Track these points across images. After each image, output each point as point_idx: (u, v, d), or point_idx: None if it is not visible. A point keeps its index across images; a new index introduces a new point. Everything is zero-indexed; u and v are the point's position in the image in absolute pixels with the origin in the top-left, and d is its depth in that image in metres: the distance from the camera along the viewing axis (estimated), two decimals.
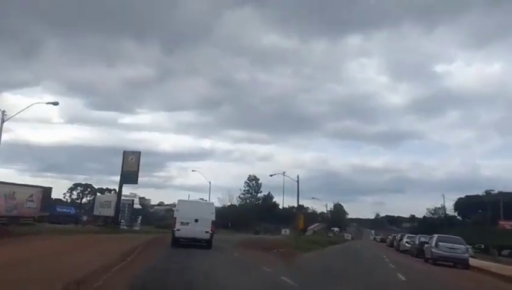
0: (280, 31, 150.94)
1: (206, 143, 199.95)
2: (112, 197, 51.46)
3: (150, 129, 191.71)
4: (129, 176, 44.00)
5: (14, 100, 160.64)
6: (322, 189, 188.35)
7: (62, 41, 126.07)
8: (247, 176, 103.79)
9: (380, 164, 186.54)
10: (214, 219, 22.53)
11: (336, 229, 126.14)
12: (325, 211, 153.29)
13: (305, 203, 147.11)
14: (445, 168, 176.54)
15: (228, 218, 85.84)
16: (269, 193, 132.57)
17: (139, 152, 46.04)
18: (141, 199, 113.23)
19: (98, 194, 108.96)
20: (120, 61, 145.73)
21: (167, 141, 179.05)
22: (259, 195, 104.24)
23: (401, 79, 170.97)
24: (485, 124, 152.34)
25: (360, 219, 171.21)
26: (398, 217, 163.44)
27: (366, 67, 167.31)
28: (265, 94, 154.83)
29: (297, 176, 51.65)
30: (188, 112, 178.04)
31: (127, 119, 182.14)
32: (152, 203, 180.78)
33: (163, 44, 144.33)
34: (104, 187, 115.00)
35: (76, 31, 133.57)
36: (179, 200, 25.13)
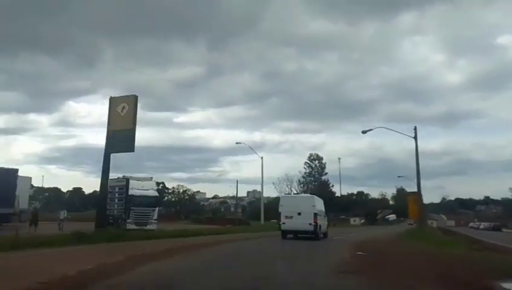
0: (327, 16, 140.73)
1: (257, 136, 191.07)
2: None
3: (202, 126, 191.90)
4: (120, 139, 22.43)
5: (77, 107, 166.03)
6: (378, 176, 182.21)
7: (117, 49, 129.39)
8: (308, 155, 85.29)
9: (439, 147, 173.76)
10: (316, 211, 22.63)
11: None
12: (388, 198, 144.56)
13: (363, 190, 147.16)
14: (509, 147, 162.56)
15: None
16: (327, 179, 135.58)
17: (135, 96, 23.38)
18: (193, 192, 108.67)
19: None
20: (171, 62, 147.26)
21: (219, 137, 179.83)
22: (323, 177, 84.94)
23: (459, 55, 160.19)
24: None
25: (424, 203, 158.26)
26: (470, 199, 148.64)
27: (420, 46, 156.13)
28: (313, 83, 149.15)
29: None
30: (237, 106, 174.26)
31: (180, 118, 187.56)
32: (207, 196, 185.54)
33: (210, 41, 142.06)
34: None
35: (129, 38, 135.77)
36: (282, 196, 25.87)
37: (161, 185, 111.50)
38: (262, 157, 43.55)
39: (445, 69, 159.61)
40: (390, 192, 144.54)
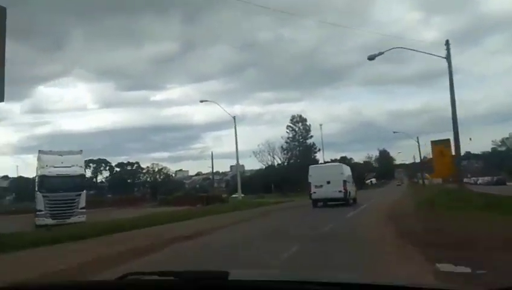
0: None
1: (237, 109, 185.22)
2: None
3: (181, 103, 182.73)
4: None
5: (48, 92, 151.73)
6: (361, 140, 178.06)
7: (86, 28, 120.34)
8: (290, 117, 73.69)
9: (417, 106, 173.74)
10: (344, 178, 22.60)
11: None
12: (371, 161, 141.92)
13: (346, 155, 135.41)
14: (488, 101, 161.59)
15: (270, 179, 67.32)
16: (313, 143, 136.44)
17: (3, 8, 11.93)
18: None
19: (117, 169, 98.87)
20: (144, 39, 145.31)
21: (199, 113, 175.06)
22: (308, 141, 72.69)
23: (435, 12, 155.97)
24: None
25: (406, 163, 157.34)
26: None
27: (396, 5, 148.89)
28: (291, 51, 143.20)
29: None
30: (215, 80, 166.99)
31: (158, 96, 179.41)
32: (190, 174, 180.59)
33: (183, 15, 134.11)
34: (125, 161, 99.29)
35: (98, 16, 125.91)
36: (311, 166, 25.29)
37: (135, 165, 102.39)
38: (234, 118, 35.20)
39: (421, 27, 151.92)
40: (374, 155, 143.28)
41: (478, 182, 62.45)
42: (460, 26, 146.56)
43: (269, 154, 64.82)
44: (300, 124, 71.59)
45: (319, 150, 70.13)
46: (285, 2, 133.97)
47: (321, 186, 22.39)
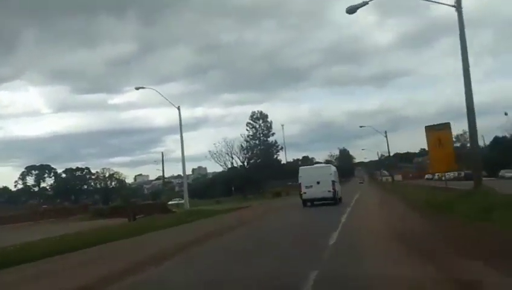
0: None
1: (199, 111, 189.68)
2: None
3: (141, 106, 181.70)
4: None
5: None
6: (322, 139, 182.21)
7: (41, 30, 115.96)
8: (250, 114, 66.55)
9: (374, 106, 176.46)
10: (333, 179, 23.13)
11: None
12: (332, 160, 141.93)
13: (308, 155, 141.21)
14: (440, 100, 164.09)
15: (231, 181, 61.31)
16: (275, 141, 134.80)
17: None
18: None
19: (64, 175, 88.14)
20: (101, 40, 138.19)
21: (160, 116, 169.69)
22: (270, 139, 66.51)
23: (389, 15, 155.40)
24: (477, 48, 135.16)
25: (364, 162, 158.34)
26: (407, 152, 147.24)
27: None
28: (252, 53, 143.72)
29: None
30: (176, 82, 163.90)
31: (116, 99, 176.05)
32: (151, 178, 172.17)
33: (141, 15, 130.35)
34: (74, 167, 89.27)
35: (53, 18, 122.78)
36: (301, 168, 25.88)
37: (85, 170, 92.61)
38: (179, 108, 28.84)
39: (377, 30, 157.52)
40: (335, 154, 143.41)
41: (443, 178, 59.80)
42: (413, 28, 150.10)
43: (227, 154, 58.33)
44: (261, 121, 65.18)
45: (281, 148, 65.23)
46: (246, 4, 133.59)
47: (311, 186, 22.71)
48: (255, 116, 65.10)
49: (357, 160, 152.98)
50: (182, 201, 33.70)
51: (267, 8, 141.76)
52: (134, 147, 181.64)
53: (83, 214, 34.31)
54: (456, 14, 13.20)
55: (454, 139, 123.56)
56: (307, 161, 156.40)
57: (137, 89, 29.50)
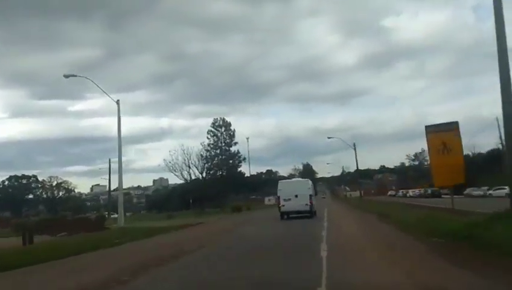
0: None
1: (164, 122, 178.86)
2: None
3: (102, 114, 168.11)
4: None
5: None
6: (283, 154, 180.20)
7: None
8: (212, 121, 60.12)
9: (335, 123, 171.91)
10: (310, 193, 23.51)
11: None
12: (296, 174, 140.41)
13: (272, 169, 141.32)
14: (397, 120, 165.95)
15: (189, 194, 55.93)
16: (234, 161, 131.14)
17: None
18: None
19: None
20: (63, 44, 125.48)
21: (123, 125, 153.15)
22: (232, 149, 60.63)
23: (351, 36, 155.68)
24: (432, 73, 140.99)
25: (326, 177, 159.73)
26: (368, 169, 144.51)
27: (318, 27, 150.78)
28: (219, 64, 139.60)
29: None
30: (141, 91, 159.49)
31: (77, 106, 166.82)
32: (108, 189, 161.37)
33: (107, 21, 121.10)
34: (19, 174, 79.95)
35: (11, 19, 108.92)
36: (280, 181, 26.81)
37: (32, 178, 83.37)
38: (118, 102, 23.89)
39: (339, 50, 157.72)
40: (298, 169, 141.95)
41: (408, 195, 57.76)
42: (375, 50, 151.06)
43: (185, 163, 50.41)
44: (223, 128, 58.54)
45: (244, 159, 60.55)
46: (215, 16, 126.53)
47: (289, 199, 22.86)
48: (217, 124, 59.09)
49: (319, 175, 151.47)
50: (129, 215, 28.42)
51: (235, 21, 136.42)
52: (94, 156, 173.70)
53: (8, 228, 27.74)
54: None
55: (412, 157, 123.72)
56: (270, 174, 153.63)
57: (66, 77, 24.24)
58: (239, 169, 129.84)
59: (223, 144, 58.40)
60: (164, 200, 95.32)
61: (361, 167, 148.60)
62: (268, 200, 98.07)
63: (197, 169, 47.81)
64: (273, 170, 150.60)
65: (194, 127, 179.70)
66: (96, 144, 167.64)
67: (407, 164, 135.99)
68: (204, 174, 48.84)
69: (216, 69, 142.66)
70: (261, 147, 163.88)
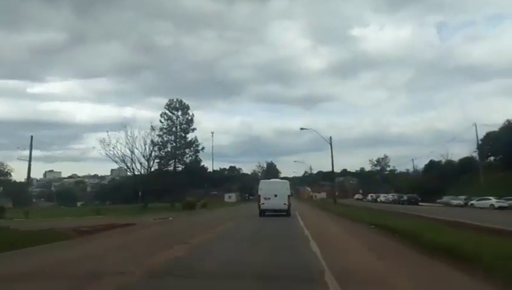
0: None
1: (128, 112, 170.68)
2: None
3: (62, 99, 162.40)
4: None
5: None
6: (248, 152, 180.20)
7: None
8: (167, 102, 48.73)
9: (300, 126, 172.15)
10: (289, 193, 24.25)
11: None
12: (259, 172, 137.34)
13: (236, 166, 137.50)
14: (359, 127, 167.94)
15: (137, 186, 47.37)
16: (196, 156, 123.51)
17: None
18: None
19: None
20: (27, 24, 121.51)
21: (84, 111, 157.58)
22: (189, 136, 49.24)
23: (321, 42, 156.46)
24: (394, 84, 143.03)
25: (289, 177, 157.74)
26: (330, 171, 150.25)
27: (290, 30, 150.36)
28: (189, 59, 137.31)
29: None
30: (106, 79, 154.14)
31: (36, 88, 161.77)
32: (63, 176, 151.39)
33: (76, 5, 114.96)
34: None
35: None
36: (261, 181, 27.21)
37: None
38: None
39: (309, 55, 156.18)
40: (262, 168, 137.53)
41: (379, 200, 52.56)
42: (342, 58, 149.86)
43: (129, 148, 40.44)
44: (179, 112, 46.83)
45: (203, 148, 51.69)
46: (188, 10, 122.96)
47: (269, 198, 23.42)
48: (172, 105, 47.02)
49: (282, 175, 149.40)
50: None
51: (208, 17, 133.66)
52: (50, 141, 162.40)
53: None
54: None
55: (375, 162, 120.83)
56: (233, 171, 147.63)
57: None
58: (202, 164, 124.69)
59: (179, 130, 47.02)
60: (115, 191, 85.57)
61: (323, 169, 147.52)
62: (229, 197, 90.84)
63: (144, 157, 38.81)
64: (237, 167, 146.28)
65: (159, 119, 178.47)
66: (53, 129, 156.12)
67: (368, 169, 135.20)
68: (152, 164, 40.12)
69: (186, 64, 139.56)
70: (227, 144, 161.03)
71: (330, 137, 43.19)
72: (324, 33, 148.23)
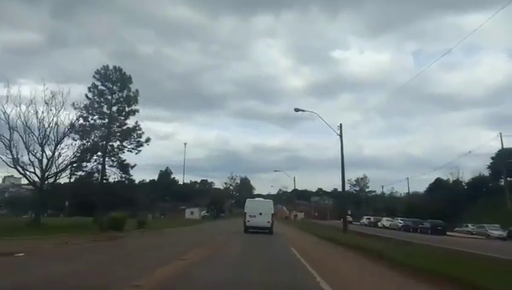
0: (190, 4, 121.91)
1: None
2: None
3: (35, 103, 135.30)
4: None
5: None
6: (223, 167, 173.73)
7: None
8: (101, 67, 30.78)
9: (277, 144, 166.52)
10: (273, 212, 24.71)
11: None
12: (231, 185, 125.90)
13: (208, 179, 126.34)
14: (335, 148, 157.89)
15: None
16: (167, 168, 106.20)
17: None
18: None
19: None
20: (4, 24, 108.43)
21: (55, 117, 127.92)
22: (129, 123, 31.03)
23: (302, 62, 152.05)
24: (370, 108, 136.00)
25: (262, 194, 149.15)
26: (305, 190, 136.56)
27: (272, 49, 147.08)
28: (169, 70, 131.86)
29: None
30: (81, 85, 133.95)
31: (3, 90, 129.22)
32: None
33: (56, 6, 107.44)
34: None
35: None
36: (248, 200, 26.82)
37: None
38: None
39: (290, 74, 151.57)
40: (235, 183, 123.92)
41: (380, 224, 40.15)
42: (321, 79, 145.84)
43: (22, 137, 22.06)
44: (117, 74, 29.90)
45: (148, 141, 31.49)
46: (171, 21, 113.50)
47: (254, 216, 23.78)
48: (106, 75, 29.25)
49: (256, 191, 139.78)
50: None
51: (191, 29, 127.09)
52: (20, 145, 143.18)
53: None
54: None
55: (354, 182, 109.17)
56: (205, 184, 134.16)
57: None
58: (173, 176, 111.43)
59: (110, 97, 29.32)
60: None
61: (299, 188, 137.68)
62: (191, 213, 75.77)
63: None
64: (209, 181, 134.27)
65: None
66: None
67: (346, 189, 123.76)
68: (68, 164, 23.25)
69: (166, 74, 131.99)
70: (202, 157, 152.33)
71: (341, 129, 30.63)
72: (306, 53, 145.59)
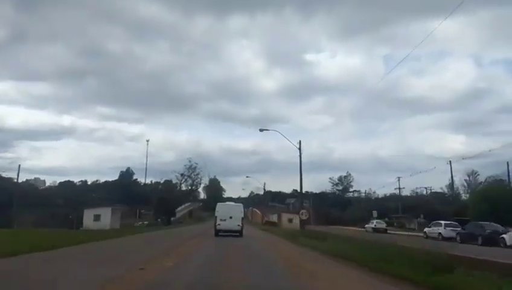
0: (163, 2, 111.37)
1: (66, 120, 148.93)
2: None
3: None
4: None
5: None
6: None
7: None
8: None
9: (249, 146, 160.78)
10: (242, 216, 24.98)
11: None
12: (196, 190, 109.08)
13: (172, 179, 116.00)
14: (306, 151, 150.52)
15: None
16: (128, 168, 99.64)
17: None
18: None
19: None
20: None
21: (16, 116, 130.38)
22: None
23: (275, 64, 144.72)
24: (341, 111, 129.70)
25: (233, 197, 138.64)
26: (280, 192, 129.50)
27: (246, 50, 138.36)
28: (139, 69, 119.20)
29: None
30: (44, 83, 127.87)
31: None
32: None
33: (19, 0, 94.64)
34: None
35: None
36: (218, 204, 26.76)
37: None
38: None
39: (263, 76, 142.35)
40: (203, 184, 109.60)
41: (440, 234, 26.05)
42: (294, 82, 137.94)
43: None
44: None
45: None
46: (141, 18, 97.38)
47: (225, 220, 24.06)
48: None
49: (226, 195, 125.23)
50: None
51: (162, 27, 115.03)
52: None
53: None
54: None
55: (337, 181, 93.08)
56: (169, 185, 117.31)
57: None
58: (135, 178, 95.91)
59: None
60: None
61: (273, 189, 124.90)
62: (95, 217, 53.41)
63: None
64: (174, 182, 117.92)
65: (102, 129, 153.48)
66: None
67: (329, 189, 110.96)
68: None
69: (136, 73, 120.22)
70: (170, 159, 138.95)
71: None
72: (279, 56, 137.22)
